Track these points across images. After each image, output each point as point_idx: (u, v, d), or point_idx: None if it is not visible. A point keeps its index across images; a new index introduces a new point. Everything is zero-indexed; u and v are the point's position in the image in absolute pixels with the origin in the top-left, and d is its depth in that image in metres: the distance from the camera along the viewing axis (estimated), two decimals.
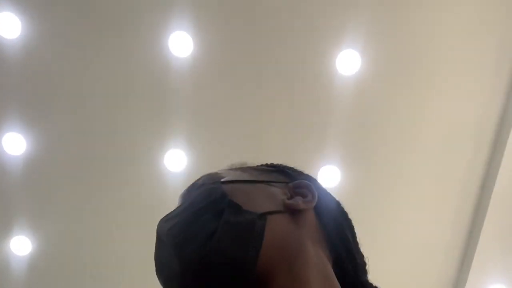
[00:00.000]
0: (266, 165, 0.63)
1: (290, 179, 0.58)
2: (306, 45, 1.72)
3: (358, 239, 0.59)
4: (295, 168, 0.62)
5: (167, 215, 0.57)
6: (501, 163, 1.79)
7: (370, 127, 1.82)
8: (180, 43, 1.70)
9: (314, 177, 0.62)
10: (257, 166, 0.62)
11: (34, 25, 1.69)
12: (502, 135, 1.80)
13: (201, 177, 0.60)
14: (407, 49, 1.73)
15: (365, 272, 0.57)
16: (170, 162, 1.84)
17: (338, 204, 0.60)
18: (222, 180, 0.56)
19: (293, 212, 0.53)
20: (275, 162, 0.64)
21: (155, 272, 0.54)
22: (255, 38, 1.73)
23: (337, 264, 0.55)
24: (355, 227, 0.60)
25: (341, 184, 1.83)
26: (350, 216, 0.61)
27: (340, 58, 1.70)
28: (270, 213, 0.52)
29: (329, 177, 1.81)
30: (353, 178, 1.85)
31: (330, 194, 0.60)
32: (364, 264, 0.58)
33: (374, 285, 0.56)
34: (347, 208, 0.61)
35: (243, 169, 0.61)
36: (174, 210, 0.57)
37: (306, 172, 0.62)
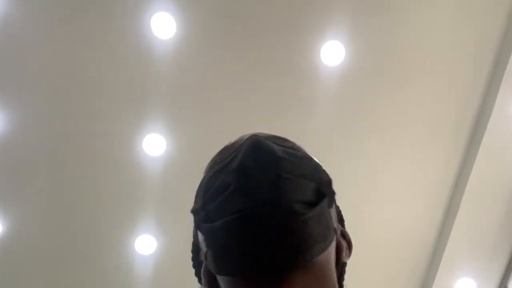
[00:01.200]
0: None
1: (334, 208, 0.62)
2: (291, 35, 1.71)
3: None
4: None
5: (274, 137, 0.63)
6: (475, 162, 1.82)
7: (352, 118, 1.83)
8: (163, 25, 1.66)
9: None
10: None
11: (14, 4, 1.63)
12: (477, 135, 1.83)
13: (290, 141, 0.66)
14: (390, 40, 1.73)
15: None
16: (149, 146, 1.82)
17: None
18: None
19: (337, 247, 0.58)
20: None
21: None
22: (239, 23, 1.71)
23: None
24: None
25: None
26: None
27: (325, 49, 1.70)
28: (336, 237, 0.57)
29: None
30: (331, 169, 1.86)
31: None
32: None
33: None
34: None
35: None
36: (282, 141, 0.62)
37: None
